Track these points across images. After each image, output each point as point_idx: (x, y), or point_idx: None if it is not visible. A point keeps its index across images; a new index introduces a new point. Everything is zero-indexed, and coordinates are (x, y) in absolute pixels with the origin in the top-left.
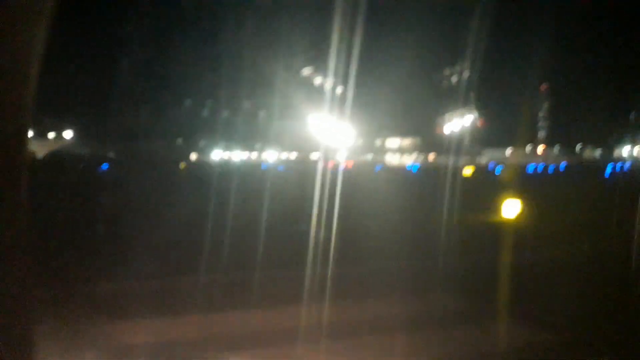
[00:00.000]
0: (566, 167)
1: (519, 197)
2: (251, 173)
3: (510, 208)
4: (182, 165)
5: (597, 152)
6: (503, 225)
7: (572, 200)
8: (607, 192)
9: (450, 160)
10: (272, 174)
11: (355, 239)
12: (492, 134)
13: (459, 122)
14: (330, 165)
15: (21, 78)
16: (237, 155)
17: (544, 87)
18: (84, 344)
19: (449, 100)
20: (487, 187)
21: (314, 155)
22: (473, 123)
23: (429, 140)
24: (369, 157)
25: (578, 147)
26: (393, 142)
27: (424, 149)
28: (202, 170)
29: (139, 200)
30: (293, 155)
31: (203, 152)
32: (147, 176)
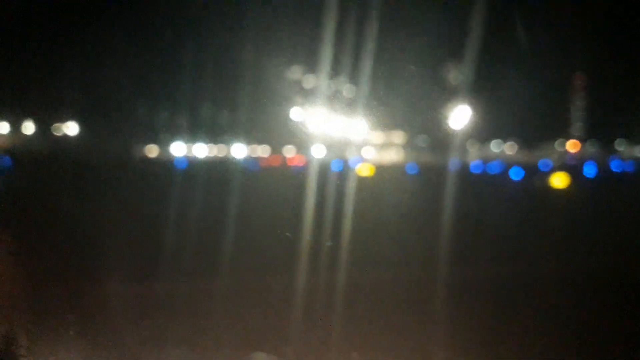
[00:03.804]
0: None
1: None
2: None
3: None
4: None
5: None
6: None
7: None
8: None
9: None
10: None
11: None
12: (491, 129)
13: (454, 117)
14: (268, 162)
15: None
16: (201, 150)
17: (578, 77)
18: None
19: (448, 94)
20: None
21: (286, 150)
22: (467, 118)
23: (416, 135)
24: (349, 153)
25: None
26: (378, 137)
27: (412, 145)
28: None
29: None
30: (265, 150)
31: (165, 145)
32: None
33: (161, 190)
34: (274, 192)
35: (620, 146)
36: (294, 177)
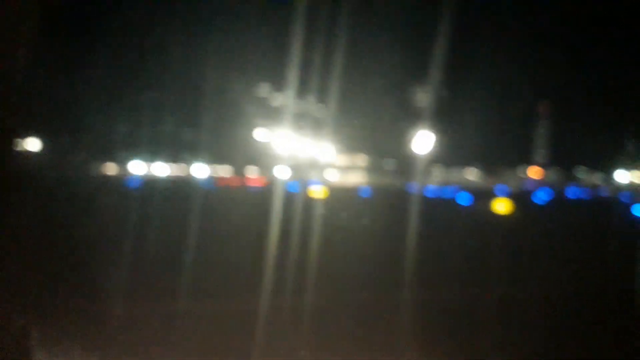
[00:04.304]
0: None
1: None
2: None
3: None
4: None
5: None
6: None
7: None
8: None
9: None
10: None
11: None
12: (454, 154)
13: (417, 142)
14: (225, 182)
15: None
16: (160, 168)
17: (542, 107)
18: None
19: (412, 120)
20: None
21: (249, 171)
22: (431, 143)
23: (379, 159)
24: (311, 174)
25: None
26: (340, 159)
27: (374, 168)
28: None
29: None
30: (226, 170)
31: (124, 163)
32: None
33: (106, 209)
34: (222, 212)
35: (580, 173)
36: (247, 198)
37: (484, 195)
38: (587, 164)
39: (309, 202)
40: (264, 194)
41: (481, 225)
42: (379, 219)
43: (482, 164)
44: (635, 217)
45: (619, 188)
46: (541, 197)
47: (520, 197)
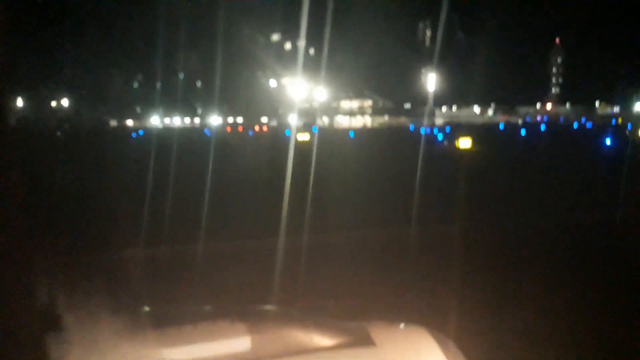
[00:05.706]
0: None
1: None
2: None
3: None
4: None
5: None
6: None
7: None
8: None
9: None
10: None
11: None
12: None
13: (423, 82)
14: (230, 129)
15: None
16: (178, 121)
17: (557, 41)
18: None
19: (416, 60)
20: None
21: (258, 119)
22: (434, 82)
23: (386, 101)
24: (324, 119)
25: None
26: (348, 104)
27: (380, 110)
28: None
29: None
30: (240, 120)
31: (141, 117)
32: None
33: (120, 156)
34: (220, 151)
35: (596, 107)
36: (245, 140)
37: (461, 132)
38: (605, 97)
39: (299, 144)
40: (263, 137)
41: (442, 159)
42: (359, 158)
43: (495, 102)
44: (605, 146)
45: (632, 119)
46: (530, 132)
47: (508, 132)
